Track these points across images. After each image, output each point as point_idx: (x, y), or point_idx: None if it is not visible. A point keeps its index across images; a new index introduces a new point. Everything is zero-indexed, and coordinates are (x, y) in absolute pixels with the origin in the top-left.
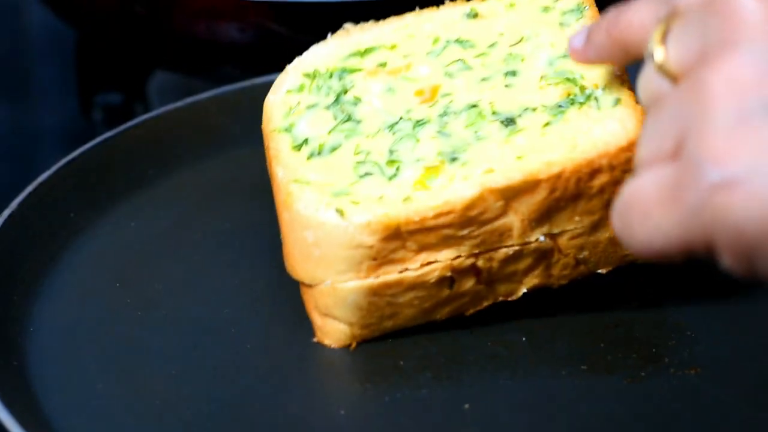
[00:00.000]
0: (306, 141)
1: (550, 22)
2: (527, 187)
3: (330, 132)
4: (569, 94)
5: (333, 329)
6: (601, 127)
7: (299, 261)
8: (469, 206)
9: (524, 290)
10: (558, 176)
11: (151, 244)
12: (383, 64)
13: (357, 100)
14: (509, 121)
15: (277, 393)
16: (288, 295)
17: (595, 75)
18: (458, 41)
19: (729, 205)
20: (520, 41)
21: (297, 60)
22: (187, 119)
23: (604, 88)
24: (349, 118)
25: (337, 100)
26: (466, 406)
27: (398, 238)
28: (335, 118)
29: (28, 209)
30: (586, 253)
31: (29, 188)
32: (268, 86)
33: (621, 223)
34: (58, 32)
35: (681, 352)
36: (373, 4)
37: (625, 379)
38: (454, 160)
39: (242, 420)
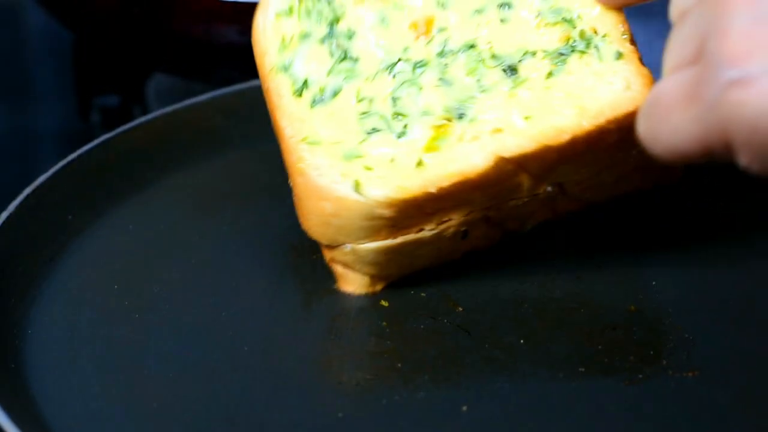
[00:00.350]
0: (306, 83)
1: None
2: (538, 153)
3: (329, 73)
4: (568, 39)
5: (354, 278)
6: (607, 86)
7: (317, 225)
8: (483, 174)
9: (531, 226)
10: (568, 142)
11: (149, 246)
12: None
13: (351, 33)
14: (511, 70)
15: (275, 395)
16: (286, 299)
17: (592, 17)
18: None
19: (744, 101)
20: None
21: None
22: (186, 122)
23: (603, 36)
24: (345, 56)
25: (330, 32)
26: (464, 408)
27: (415, 207)
28: (331, 55)
29: (25, 211)
30: (589, 194)
31: (27, 190)
32: None
33: (645, 126)
34: (56, 35)
35: (679, 354)
36: None
37: (623, 381)
38: (461, 116)
39: (240, 423)
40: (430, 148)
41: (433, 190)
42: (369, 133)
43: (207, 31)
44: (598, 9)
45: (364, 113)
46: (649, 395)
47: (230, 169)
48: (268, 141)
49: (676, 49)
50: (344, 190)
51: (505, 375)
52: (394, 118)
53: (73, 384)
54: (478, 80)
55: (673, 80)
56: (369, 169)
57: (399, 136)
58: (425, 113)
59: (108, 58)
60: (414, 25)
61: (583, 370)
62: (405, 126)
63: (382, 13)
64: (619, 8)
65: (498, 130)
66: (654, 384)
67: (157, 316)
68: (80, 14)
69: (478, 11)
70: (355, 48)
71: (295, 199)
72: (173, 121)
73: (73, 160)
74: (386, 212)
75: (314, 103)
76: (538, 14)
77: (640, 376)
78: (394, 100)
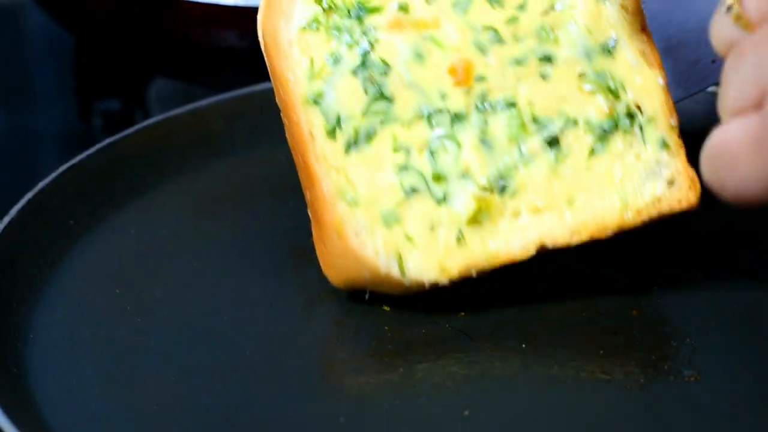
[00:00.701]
0: (339, 123)
1: None
2: (580, 243)
3: (364, 114)
4: (611, 112)
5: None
6: (651, 178)
7: (345, 281)
8: (523, 258)
9: None
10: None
11: (151, 250)
12: (404, 8)
13: (385, 66)
14: (553, 141)
15: (276, 399)
16: (288, 303)
17: (636, 85)
18: None
19: None
20: (551, 7)
21: None
22: (187, 126)
23: (649, 118)
24: (381, 94)
25: (364, 63)
26: (466, 413)
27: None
28: (365, 92)
29: (27, 216)
30: None
31: (28, 195)
32: (268, 93)
33: (710, 172)
34: (57, 38)
35: (680, 359)
36: None
37: (625, 386)
38: (503, 189)
39: (241, 426)
40: (472, 221)
41: (473, 273)
42: (408, 194)
43: (207, 35)
44: (642, 78)
45: (402, 167)
46: (651, 400)
47: (231, 173)
48: (269, 145)
49: (734, 91)
50: (385, 264)
51: (506, 379)
52: (434, 180)
53: (75, 387)
54: (520, 148)
55: (736, 126)
56: (410, 239)
57: (439, 203)
58: (465, 176)
59: (109, 62)
60: (453, 71)
61: (584, 374)
62: (445, 191)
63: (417, 46)
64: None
65: (539, 211)
66: (655, 388)
67: (158, 320)
68: (80, 17)
69: (518, 62)
70: (389, 85)
71: (322, 247)
72: (175, 125)
73: (74, 165)
74: (422, 286)
75: (349, 147)
76: (581, 75)
77: (642, 380)
78: (433, 153)
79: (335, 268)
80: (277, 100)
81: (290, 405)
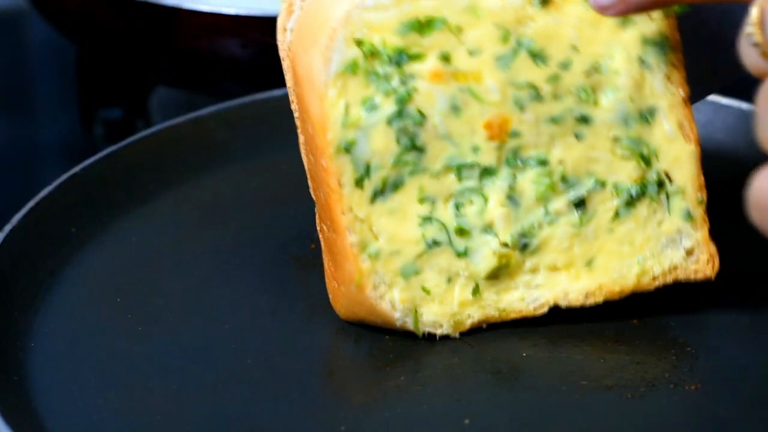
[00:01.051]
0: (368, 172)
1: (628, 42)
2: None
3: (394, 165)
4: (642, 178)
5: None
6: (671, 247)
7: (355, 320)
8: (536, 314)
9: None
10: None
11: (152, 259)
12: (446, 57)
13: (421, 116)
14: (580, 203)
15: (277, 408)
16: (289, 311)
17: (669, 156)
18: (530, 51)
19: None
20: (595, 69)
21: (345, 10)
22: (188, 135)
23: (678, 189)
24: (413, 145)
25: (400, 112)
26: (466, 421)
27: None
28: (398, 141)
29: (29, 224)
30: None
31: (30, 203)
32: (269, 102)
33: (758, 216)
34: (59, 47)
35: (681, 367)
36: None
37: (626, 394)
38: (524, 247)
39: None
40: (489, 276)
41: (483, 326)
42: (429, 246)
43: (209, 44)
44: (676, 150)
45: (425, 218)
46: (652, 408)
47: (233, 182)
48: (270, 154)
49: None
50: (401, 318)
51: (507, 388)
52: (456, 233)
53: (76, 396)
54: (546, 207)
55: None
56: (426, 291)
57: (459, 256)
58: (488, 230)
59: (111, 71)
60: (488, 125)
61: (585, 383)
62: (467, 245)
63: (455, 99)
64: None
65: (557, 269)
66: (657, 397)
67: (159, 329)
68: (82, 26)
69: (555, 120)
70: (422, 135)
71: (335, 286)
72: (176, 134)
73: (76, 173)
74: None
75: (375, 196)
76: (615, 139)
77: (643, 389)
78: (458, 206)
79: (346, 308)
80: (297, 123)
81: (291, 413)
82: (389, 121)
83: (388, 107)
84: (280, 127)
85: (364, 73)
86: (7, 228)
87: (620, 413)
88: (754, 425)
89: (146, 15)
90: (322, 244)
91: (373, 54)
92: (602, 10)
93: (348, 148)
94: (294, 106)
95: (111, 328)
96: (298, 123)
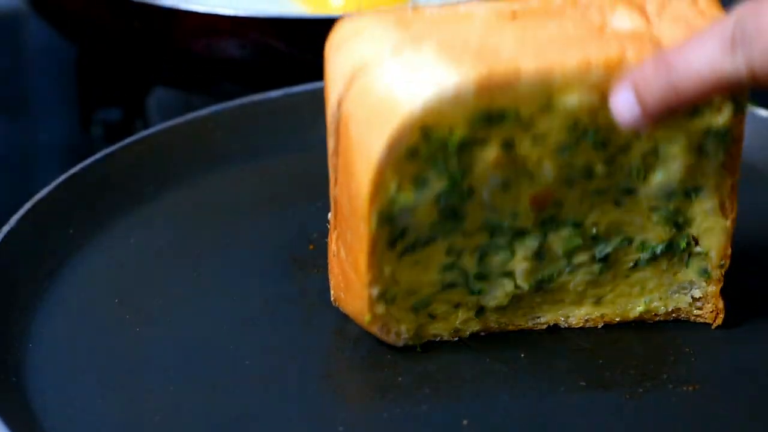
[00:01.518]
0: (403, 235)
1: (691, 131)
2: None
3: (431, 229)
4: (669, 239)
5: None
6: (681, 294)
7: (350, 314)
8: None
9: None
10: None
11: (150, 260)
12: (510, 144)
13: (469, 194)
14: (604, 259)
15: (275, 409)
16: (287, 313)
17: (702, 226)
18: (594, 140)
19: None
20: (652, 152)
21: (421, 101)
22: (187, 135)
23: (702, 252)
24: (454, 214)
25: (450, 190)
26: (465, 422)
27: None
28: (441, 212)
29: (27, 225)
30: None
31: (28, 204)
32: (267, 103)
33: None
34: (58, 48)
35: (679, 368)
36: None
37: (624, 395)
38: (539, 287)
39: None
40: (498, 313)
41: (482, 334)
42: (445, 288)
43: (207, 45)
44: (710, 223)
45: (448, 266)
46: (650, 409)
47: (231, 183)
48: (268, 155)
49: None
50: (404, 343)
51: (506, 389)
52: (475, 278)
53: (74, 397)
54: (570, 260)
55: None
56: (432, 314)
57: (472, 293)
58: (507, 275)
59: (109, 71)
60: (534, 199)
61: (583, 384)
62: (482, 287)
63: (508, 178)
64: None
65: (562, 302)
66: (654, 398)
67: (158, 330)
68: (81, 27)
69: (600, 192)
70: (466, 206)
71: (342, 295)
72: (174, 135)
73: (74, 174)
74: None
75: (404, 252)
76: (654, 208)
77: (641, 390)
78: (482, 256)
79: (347, 310)
80: (332, 171)
81: (290, 414)
82: (437, 198)
83: (439, 185)
84: (278, 127)
85: (423, 157)
86: (6, 229)
87: (618, 414)
88: (751, 426)
89: (145, 16)
90: (333, 255)
91: (438, 142)
92: (629, 126)
93: (390, 218)
94: (331, 144)
95: (110, 329)
96: (332, 157)
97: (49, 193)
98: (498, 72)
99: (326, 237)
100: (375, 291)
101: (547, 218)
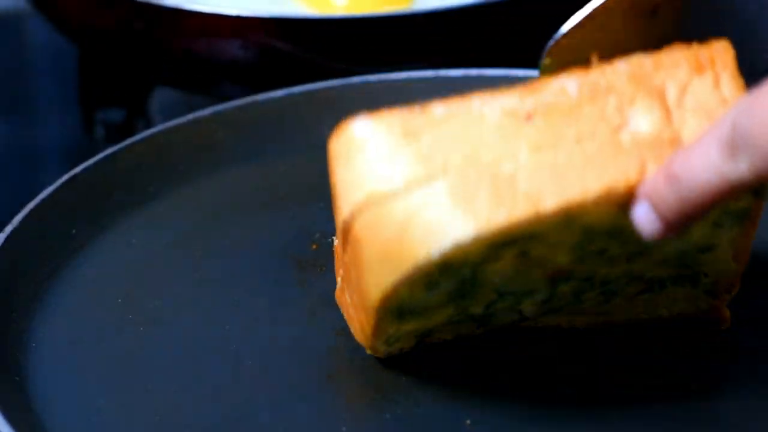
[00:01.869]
0: (411, 312)
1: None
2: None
3: (440, 308)
4: (680, 273)
5: None
6: (684, 305)
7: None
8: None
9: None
10: None
11: (152, 260)
12: (526, 253)
13: (480, 283)
14: (611, 293)
15: (277, 410)
16: (289, 313)
17: (714, 268)
18: (609, 233)
19: None
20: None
21: (441, 246)
22: (189, 136)
23: (712, 282)
24: (463, 296)
25: (460, 289)
26: (468, 422)
27: None
28: (450, 298)
29: (29, 225)
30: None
31: (30, 205)
32: (269, 103)
33: None
34: (59, 48)
35: (681, 369)
36: (376, 20)
37: (630, 397)
38: (545, 313)
39: None
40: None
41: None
42: (450, 323)
43: (209, 45)
44: (723, 265)
45: (453, 317)
46: (651, 409)
47: (233, 184)
48: (270, 155)
49: None
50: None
51: (509, 389)
52: (478, 319)
53: (76, 397)
54: (578, 299)
55: None
56: (433, 335)
57: (475, 322)
58: (514, 312)
59: (111, 72)
60: (546, 274)
61: (588, 385)
62: (484, 322)
63: (520, 269)
64: None
65: (561, 319)
66: (655, 397)
67: (160, 330)
68: (83, 28)
69: (612, 258)
70: (477, 290)
71: (345, 301)
72: (176, 135)
73: (76, 174)
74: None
75: (412, 316)
76: (665, 261)
77: (642, 390)
78: (488, 306)
79: (357, 324)
80: (340, 234)
81: (292, 414)
82: (448, 295)
83: (450, 284)
84: (280, 128)
85: (436, 272)
86: (8, 229)
87: (623, 416)
88: (755, 426)
89: (147, 16)
90: (341, 276)
91: (451, 269)
92: (652, 239)
93: (401, 315)
94: (340, 225)
95: (111, 329)
96: (341, 234)
97: (51, 194)
98: (516, 215)
99: (329, 237)
100: (379, 342)
101: (558, 278)
